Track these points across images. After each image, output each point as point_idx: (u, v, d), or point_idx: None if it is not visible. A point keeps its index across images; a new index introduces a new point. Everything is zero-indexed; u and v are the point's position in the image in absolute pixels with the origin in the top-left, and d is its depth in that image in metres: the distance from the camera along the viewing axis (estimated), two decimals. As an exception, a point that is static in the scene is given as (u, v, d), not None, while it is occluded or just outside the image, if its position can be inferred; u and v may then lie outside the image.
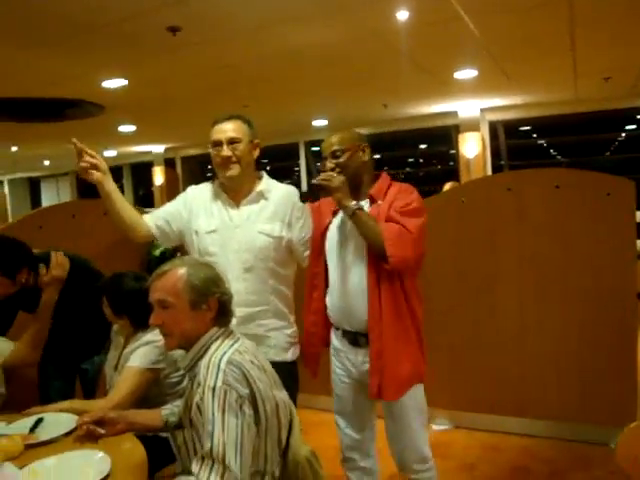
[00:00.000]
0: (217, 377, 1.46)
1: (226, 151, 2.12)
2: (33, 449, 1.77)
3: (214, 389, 1.44)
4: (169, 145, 11.68)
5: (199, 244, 2.18)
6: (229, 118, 2.16)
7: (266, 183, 2.23)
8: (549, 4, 3.60)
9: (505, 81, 6.06)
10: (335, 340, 2.20)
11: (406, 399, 2.07)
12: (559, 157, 10.16)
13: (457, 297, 3.44)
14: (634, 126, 9.04)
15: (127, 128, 8.40)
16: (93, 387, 2.68)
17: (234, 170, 2.14)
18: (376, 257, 1.98)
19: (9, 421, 2.01)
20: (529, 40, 4.48)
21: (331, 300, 2.17)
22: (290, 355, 2.21)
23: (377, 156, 12.28)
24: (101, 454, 1.67)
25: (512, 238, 3.30)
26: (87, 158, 2.06)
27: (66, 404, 2.12)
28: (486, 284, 3.39)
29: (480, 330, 3.41)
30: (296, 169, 11.18)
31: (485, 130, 8.41)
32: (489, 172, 8.39)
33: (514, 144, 9.34)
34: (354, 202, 2.01)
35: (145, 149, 11.79)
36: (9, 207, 15.66)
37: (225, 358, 1.50)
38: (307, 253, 2.23)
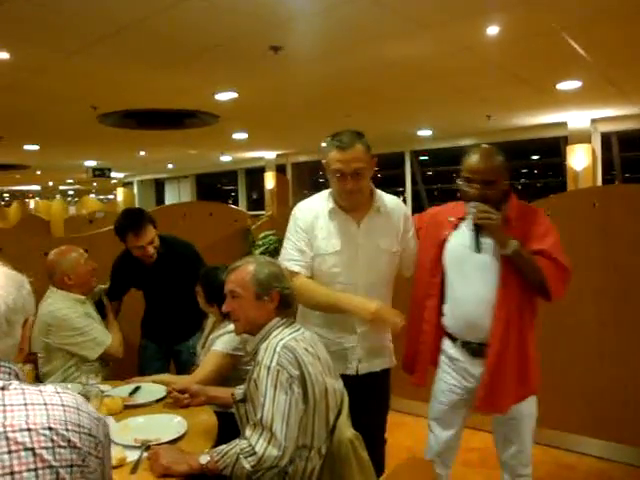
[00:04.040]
0: (272, 358, 1.69)
1: (351, 184, 2.04)
2: (130, 409, 2.16)
3: (269, 368, 1.68)
4: (280, 152, 12.28)
5: (322, 264, 2.14)
6: (351, 144, 2.04)
7: (379, 197, 2.20)
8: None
9: (614, 91, 5.80)
10: (451, 349, 2.18)
11: (522, 408, 2.14)
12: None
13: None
14: None
15: (240, 135, 9.03)
16: (185, 367, 3.01)
17: (358, 199, 2.12)
18: (512, 279, 2.01)
19: (114, 386, 2.43)
20: (635, 47, 4.30)
21: (452, 311, 2.15)
22: (394, 360, 2.33)
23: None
24: (179, 418, 2.00)
25: (596, 255, 3.23)
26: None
27: (159, 377, 2.51)
28: (566, 301, 3.33)
29: (558, 347, 3.35)
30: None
31: (597, 141, 8.02)
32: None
33: (634, 156, 8.79)
34: (515, 240, 1.98)
35: (258, 155, 12.49)
36: (137, 205, 17.22)
37: (281, 343, 1.73)
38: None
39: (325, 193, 2.22)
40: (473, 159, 2.06)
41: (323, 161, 2.13)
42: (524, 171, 11.87)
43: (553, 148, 9.34)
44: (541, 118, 7.85)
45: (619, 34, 3.98)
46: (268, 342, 1.77)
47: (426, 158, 11.66)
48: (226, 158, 12.81)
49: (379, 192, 2.22)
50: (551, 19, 3.58)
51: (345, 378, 2.08)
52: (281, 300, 1.85)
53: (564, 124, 7.98)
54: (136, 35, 3.65)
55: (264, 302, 1.82)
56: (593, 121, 7.83)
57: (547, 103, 6.56)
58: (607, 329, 3.21)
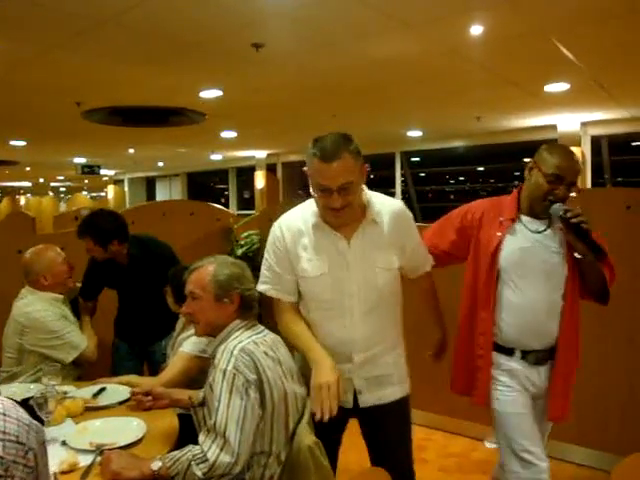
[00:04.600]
0: (229, 362, 1.64)
1: (337, 201, 1.72)
2: (92, 411, 2.11)
3: (224, 372, 1.63)
4: (271, 151, 12.21)
5: (312, 289, 1.87)
6: (336, 154, 1.68)
7: (374, 205, 1.87)
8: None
9: (603, 94, 5.78)
10: (508, 362, 2.06)
11: None
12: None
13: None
14: None
15: (228, 134, 8.95)
16: (158, 368, 2.97)
17: (346, 216, 1.79)
18: (576, 283, 2.02)
19: (78, 387, 2.37)
20: (623, 49, 4.24)
21: (510, 319, 2.03)
22: (408, 388, 2.03)
23: (480, 168, 12.01)
24: (139, 421, 1.94)
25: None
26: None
27: (125, 378, 2.44)
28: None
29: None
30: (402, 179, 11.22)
31: (586, 145, 8.00)
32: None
33: (624, 160, 8.79)
34: None
35: (248, 154, 12.42)
36: (127, 203, 17.13)
37: (239, 346, 1.68)
38: (428, 266, 2.10)
39: (309, 205, 1.89)
40: (563, 158, 1.98)
41: (304, 169, 1.79)
42: (517, 173, 11.84)
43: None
44: (531, 120, 7.82)
45: (607, 37, 3.94)
46: (226, 345, 1.72)
47: (418, 159, 11.62)
48: (216, 157, 12.74)
49: (374, 199, 1.89)
50: (537, 20, 3.54)
51: (345, 411, 1.89)
52: (242, 302, 1.80)
53: (554, 127, 7.96)
54: (116, 29, 3.58)
55: (224, 304, 1.78)
56: (583, 124, 7.82)
57: (536, 105, 6.53)
58: (589, 336, 3.15)
